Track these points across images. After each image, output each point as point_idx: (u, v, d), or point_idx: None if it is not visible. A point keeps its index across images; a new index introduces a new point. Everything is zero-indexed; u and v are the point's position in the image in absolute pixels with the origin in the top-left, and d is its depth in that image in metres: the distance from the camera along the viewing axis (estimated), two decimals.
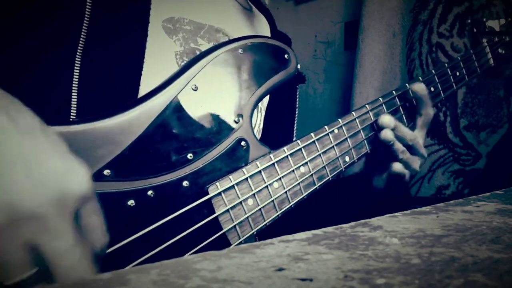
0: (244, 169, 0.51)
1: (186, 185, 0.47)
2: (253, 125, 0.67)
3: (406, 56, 1.35)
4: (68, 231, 0.30)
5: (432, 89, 0.74)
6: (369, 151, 0.64)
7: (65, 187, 0.30)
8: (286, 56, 0.57)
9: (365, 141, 0.63)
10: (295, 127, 0.77)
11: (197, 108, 0.49)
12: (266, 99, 0.72)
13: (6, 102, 0.31)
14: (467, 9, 1.24)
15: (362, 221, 0.36)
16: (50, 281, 0.30)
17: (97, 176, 0.42)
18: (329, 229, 0.33)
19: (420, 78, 0.72)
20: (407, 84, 0.70)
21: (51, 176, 0.30)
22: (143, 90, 0.51)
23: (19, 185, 0.28)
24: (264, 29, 0.75)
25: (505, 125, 1.21)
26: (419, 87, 0.68)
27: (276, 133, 0.72)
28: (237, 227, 0.50)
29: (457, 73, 0.78)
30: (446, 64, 0.77)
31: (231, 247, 0.49)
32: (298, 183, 0.55)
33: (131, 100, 0.47)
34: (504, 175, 1.17)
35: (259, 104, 0.67)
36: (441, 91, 0.76)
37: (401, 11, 1.33)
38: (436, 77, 0.75)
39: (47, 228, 0.29)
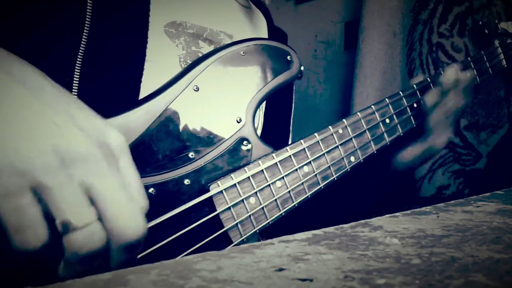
0: (246, 168, 0.51)
1: (187, 183, 0.48)
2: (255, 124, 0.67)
3: (406, 56, 1.35)
4: (115, 174, 0.32)
5: None
6: (375, 152, 0.64)
7: (106, 136, 0.32)
8: (288, 57, 0.57)
9: (371, 141, 0.63)
10: (291, 123, 0.76)
11: (199, 108, 0.50)
12: None
13: (40, 75, 0.34)
14: (468, 9, 1.24)
15: (363, 221, 0.36)
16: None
17: None
18: (329, 229, 0.33)
19: (428, 79, 0.72)
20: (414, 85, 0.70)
21: (93, 126, 0.32)
22: (144, 94, 0.51)
23: (66, 130, 0.30)
24: (262, 25, 0.75)
25: (506, 125, 1.21)
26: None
27: (273, 130, 0.73)
28: (239, 225, 0.50)
29: (468, 74, 0.77)
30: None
31: (231, 247, 0.49)
32: (302, 183, 0.55)
33: (132, 102, 0.48)
34: (505, 175, 1.17)
35: None
36: None
37: (401, 11, 1.33)
38: None
39: (97, 169, 0.30)
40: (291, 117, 0.76)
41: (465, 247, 0.28)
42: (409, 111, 0.69)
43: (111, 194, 0.31)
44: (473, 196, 0.49)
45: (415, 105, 0.69)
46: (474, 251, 0.27)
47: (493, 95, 1.22)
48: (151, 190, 0.45)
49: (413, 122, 0.69)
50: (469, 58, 0.79)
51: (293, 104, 0.76)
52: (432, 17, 1.30)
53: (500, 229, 0.33)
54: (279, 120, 0.75)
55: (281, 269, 0.23)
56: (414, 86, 0.70)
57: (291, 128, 0.76)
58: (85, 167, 0.30)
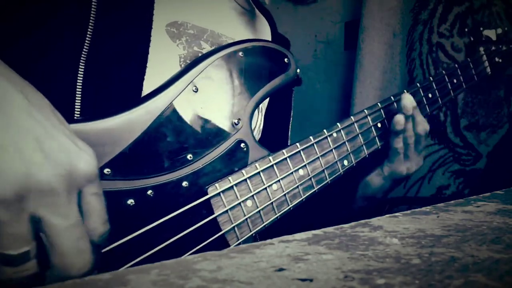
0: (243, 171, 0.51)
1: (185, 185, 0.48)
2: (253, 126, 0.67)
3: (406, 56, 1.35)
4: (72, 209, 0.31)
5: (430, 95, 0.75)
6: (367, 156, 0.64)
7: (73, 163, 0.31)
8: (286, 60, 0.57)
9: (363, 145, 0.64)
10: (289, 129, 0.77)
11: (197, 109, 0.50)
12: (266, 100, 0.72)
13: (21, 84, 0.33)
14: (468, 9, 1.24)
15: (363, 221, 0.36)
16: (47, 260, 0.31)
17: None
18: (329, 229, 0.33)
19: (418, 84, 0.73)
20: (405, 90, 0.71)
21: (61, 152, 0.31)
22: (146, 92, 0.51)
23: (30, 157, 0.29)
24: (265, 31, 0.75)
25: (505, 125, 1.21)
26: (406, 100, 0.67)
27: (272, 135, 0.73)
28: (235, 228, 0.50)
29: (455, 80, 0.80)
30: (443, 71, 0.79)
31: (231, 247, 0.49)
32: (297, 186, 0.55)
33: (133, 100, 0.48)
34: (505, 175, 1.17)
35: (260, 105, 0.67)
36: (439, 98, 0.78)
37: (401, 11, 1.33)
38: (434, 84, 0.76)
39: (52, 203, 0.30)
40: (290, 123, 0.76)
41: (465, 247, 0.28)
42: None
43: (61, 231, 0.30)
44: (473, 196, 0.49)
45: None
46: (474, 251, 0.27)
47: (493, 95, 1.22)
48: (149, 192, 0.45)
49: None
50: (456, 65, 0.81)
51: (291, 110, 0.76)
52: (432, 17, 1.30)
53: (500, 229, 0.33)
54: (278, 124, 0.75)
55: (281, 269, 0.23)
56: (405, 91, 0.71)
57: (289, 134, 0.76)
58: (41, 199, 0.29)
